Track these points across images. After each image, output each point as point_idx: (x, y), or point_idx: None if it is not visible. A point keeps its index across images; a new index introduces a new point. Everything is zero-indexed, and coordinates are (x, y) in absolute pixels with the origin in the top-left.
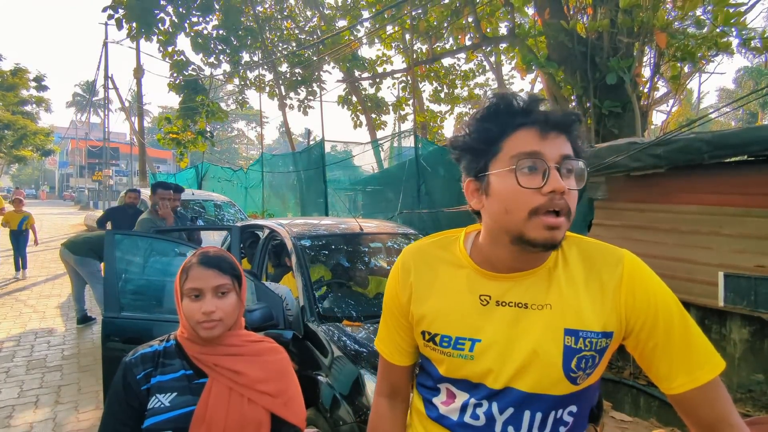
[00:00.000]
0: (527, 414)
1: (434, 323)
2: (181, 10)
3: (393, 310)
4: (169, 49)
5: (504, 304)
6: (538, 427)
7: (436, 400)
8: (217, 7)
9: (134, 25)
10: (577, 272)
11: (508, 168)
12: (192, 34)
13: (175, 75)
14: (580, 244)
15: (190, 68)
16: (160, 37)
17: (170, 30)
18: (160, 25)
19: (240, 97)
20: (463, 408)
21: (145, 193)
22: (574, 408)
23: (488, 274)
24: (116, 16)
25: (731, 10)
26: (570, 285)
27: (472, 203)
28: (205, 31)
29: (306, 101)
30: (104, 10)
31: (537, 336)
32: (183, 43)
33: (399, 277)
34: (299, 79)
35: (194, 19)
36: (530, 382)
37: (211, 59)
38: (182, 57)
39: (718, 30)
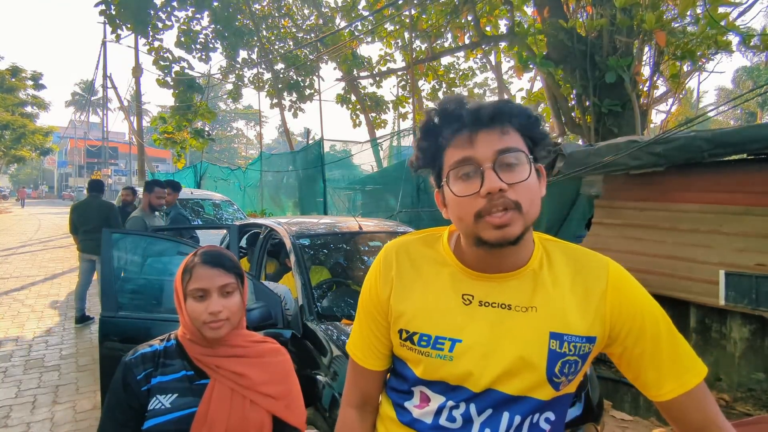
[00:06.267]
0: (506, 415)
1: (413, 321)
2: (173, 3)
3: (369, 308)
4: (156, 44)
5: (487, 304)
6: (515, 431)
7: (408, 404)
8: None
9: (124, 21)
10: (562, 274)
11: (447, 179)
12: (184, 29)
13: (164, 72)
14: (565, 249)
15: (178, 65)
16: (151, 33)
17: (158, 25)
18: (153, 22)
19: (234, 93)
20: (439, 411)
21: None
22: (551, 416)
23: (473, 274)
24: (108, 12)
25: (720, 11)
26: (556, 287)
27: (442, 213)
28: (197, 27)
29: (297, 103)
30: (96, 5)
31: (521, 339)
32: (171, 41)
33: (380, 271)
34: (292, 81)
35: (187, 13)
36: (513, 385)
37: (201, 54)
38: (168, 54)
39: (715, 29)
